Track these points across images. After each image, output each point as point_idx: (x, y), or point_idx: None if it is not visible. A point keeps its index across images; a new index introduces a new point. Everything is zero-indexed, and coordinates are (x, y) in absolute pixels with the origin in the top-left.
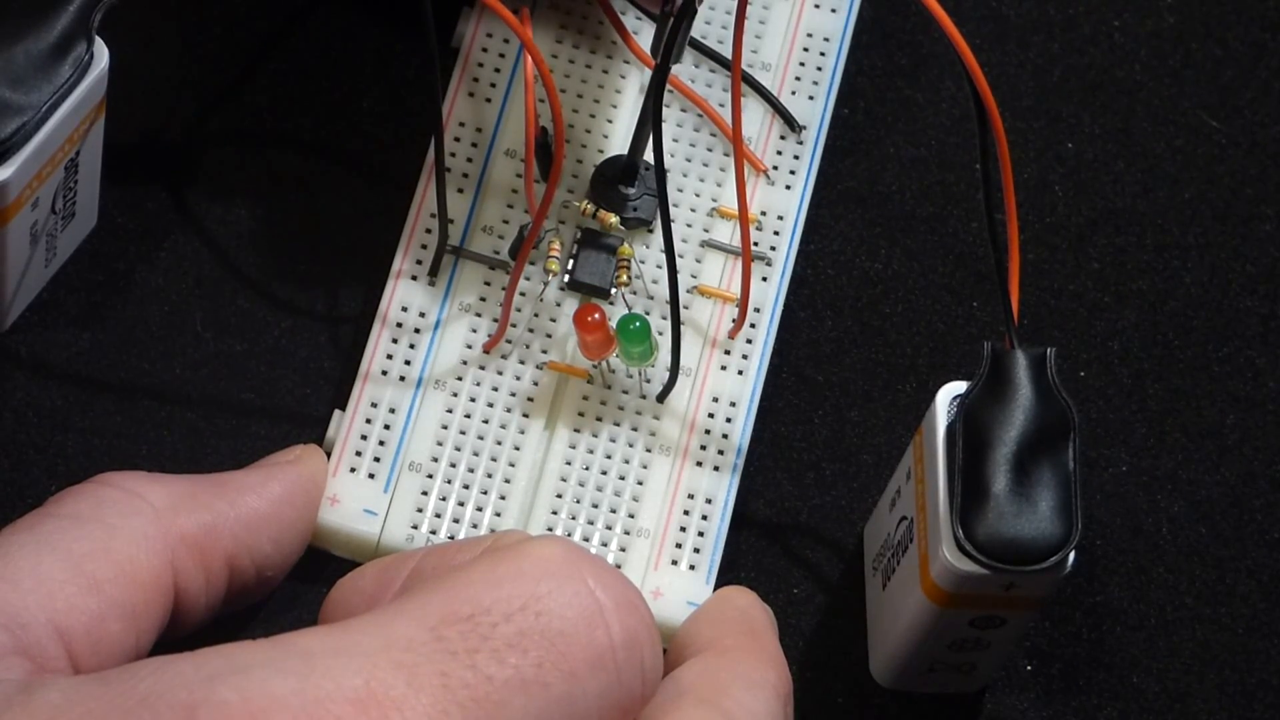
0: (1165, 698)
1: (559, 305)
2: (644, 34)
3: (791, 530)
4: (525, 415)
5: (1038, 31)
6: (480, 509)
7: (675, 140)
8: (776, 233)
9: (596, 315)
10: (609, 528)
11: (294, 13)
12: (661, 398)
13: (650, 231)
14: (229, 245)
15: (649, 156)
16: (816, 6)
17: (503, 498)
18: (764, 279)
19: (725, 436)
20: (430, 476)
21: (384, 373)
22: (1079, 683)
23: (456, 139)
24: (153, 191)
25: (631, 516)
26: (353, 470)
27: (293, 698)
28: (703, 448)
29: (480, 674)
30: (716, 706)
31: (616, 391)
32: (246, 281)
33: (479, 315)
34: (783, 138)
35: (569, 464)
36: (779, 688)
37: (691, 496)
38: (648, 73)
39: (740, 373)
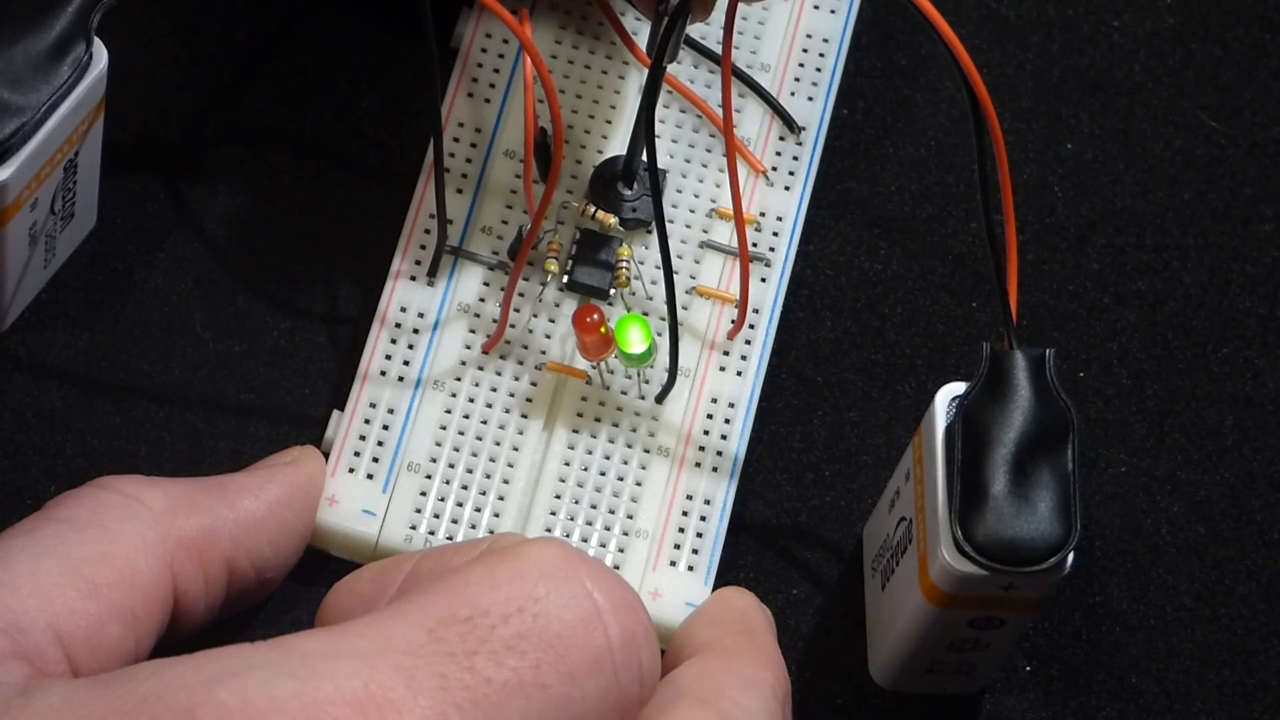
0: (1164, 698)
1: (558, 306)
2: (642, 34)
3: (790, 531)
4: (524, 416)
5: (1037, 32)
6: (479, 509)
7: (674, 141)
8: (775, 233)
9: (595, 316)
10: (607, 528)
11: (294, 13)
12: (660, 399)
13: (649, 232)
14: (228, 246)
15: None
16: (816, 7)
17: (501, 498)
18: (763, 280)
19: (724, 437)
20: (429, 477)
21: (383, 373)
22: (1078, 683)
23: (456, 139)
24: (152, 192)
25: (630, 517)
26: (351, 470)
27: (291, 700)
28: (701, 449)
29: (479, 676)
30: (714, 707)
31: (615, 392)
32: (245, 282)
33: (478, 316)
34: (782, 139)
35: (567, 464)
36: (777, 688)
37: (690, 497)
38: (646, 73)
39: (739, 374)
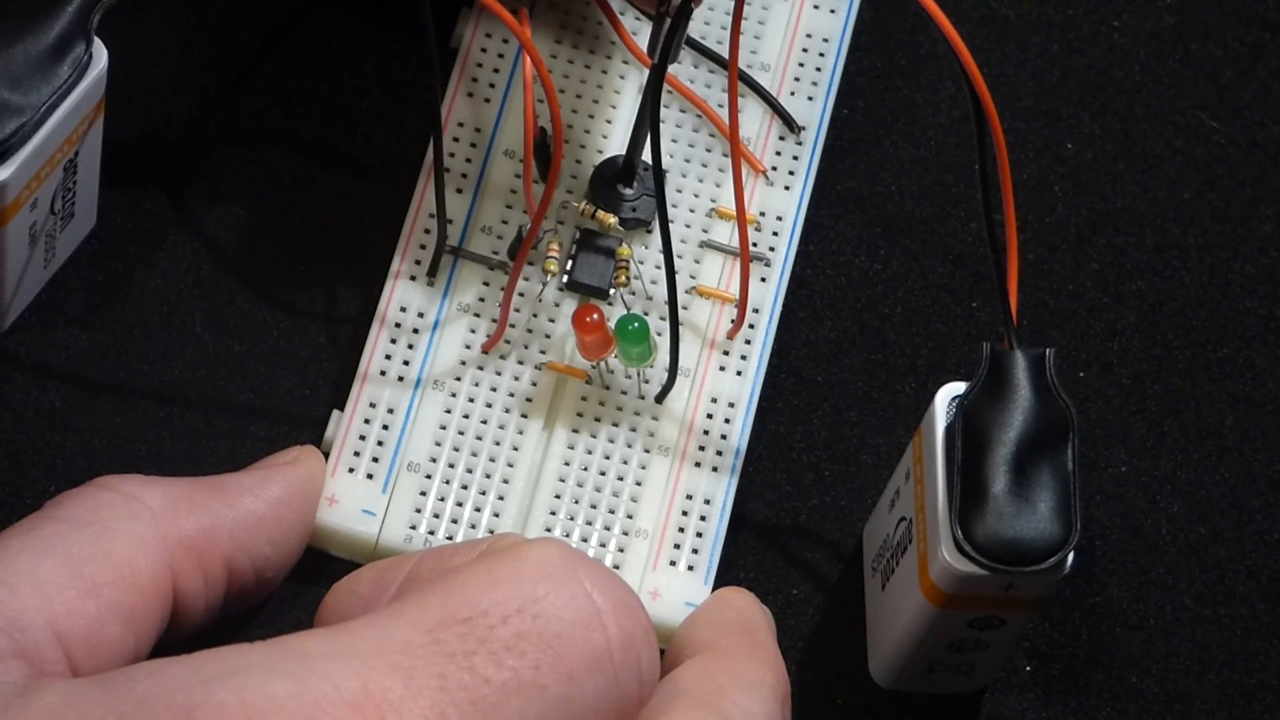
0: (1164, 698)
1: (558, 305)
2: (643, 34)
3: (790, 531)
4: (524, 415)
5: (1037, 32)
6: (479, 509)
7: (674, 141)
8: (775, 233)
9: (595, 316)
10: (607, 528)
11: (294, 13)
12: (660, 398)
13: (649, 232)
14: (228, 246)
15: (648, 157)
16: (816, 7)
17: (501, 498)
18: (763, 279)
19: (724, 437)
20: (429, 477)
21: (382, 373)
22: (1078, 683)
23: (455, 139)
24: (151, 192)
25: (630, 517)
26: (351, 470)
27: (290, 700)
28: (701, 448)
29: (478, 676)
30: (714, 708)
31: (615, 392)
32: (245, 282)
33: (478, 315)
34: (782, 138)
35: (567, 464)
36: (776, 689)
37: (690, 497)
38: (647, 73)
39: (739, 373)
